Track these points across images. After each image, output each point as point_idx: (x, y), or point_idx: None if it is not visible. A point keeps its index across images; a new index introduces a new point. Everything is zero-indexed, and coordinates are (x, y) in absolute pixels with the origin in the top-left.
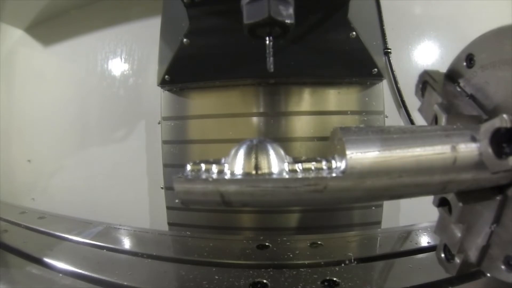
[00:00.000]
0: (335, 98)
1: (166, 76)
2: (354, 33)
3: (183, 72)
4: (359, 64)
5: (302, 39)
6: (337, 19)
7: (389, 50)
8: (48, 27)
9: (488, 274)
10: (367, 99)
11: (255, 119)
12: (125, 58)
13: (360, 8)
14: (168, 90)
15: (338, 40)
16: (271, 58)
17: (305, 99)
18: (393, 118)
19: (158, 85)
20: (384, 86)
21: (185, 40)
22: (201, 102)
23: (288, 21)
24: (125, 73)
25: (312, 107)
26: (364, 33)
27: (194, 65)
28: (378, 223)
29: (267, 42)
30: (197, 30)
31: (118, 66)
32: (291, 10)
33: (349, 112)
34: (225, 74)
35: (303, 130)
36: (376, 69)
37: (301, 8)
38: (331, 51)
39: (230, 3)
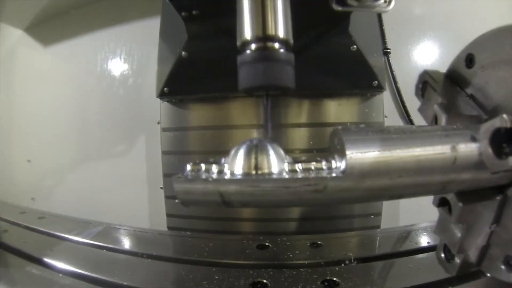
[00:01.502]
0: (335, 109)
1: (165, 89)
2: (355, 46)
3: (182, 85)
4: (359, 77)
5: (303, 52)
6: (338, 33)
7: (389, 50)
8: (48, 27)
9: (488, 274)
10: (367, 110)
11: (254, 131)
12: (125, 58)
13: (361, 21)
14: (167, 101)
15: (339, 53)
16: (270, 124)
17: (305, 111)
18: (392, 118)
19: (157, 97)
20: (383, 92)
21: (183, 53)
22: (201, 114)
23: (287, 85)
24: (124, 73)
25: (312, 119)
26: (365, 46)
27: (193, 77)
28: (377, 227)
29: (265, 102)
30: (195, 43)
31: (117, 66)
32: (291, 73)
33: (349, 124)
34: (224, 87)
35: (302, 141)
36: (376, 82)
37: (303, 21)
38: (332, 64)
39: (228, 16)
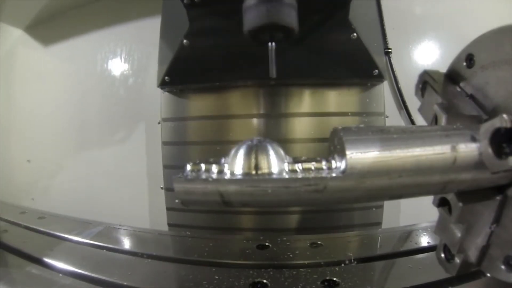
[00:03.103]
0: (336, 99)
1: (166, 77)
2: (355, 34)
3: (183, 73)
4: (360, 66)
5: (302, 40)
6: (338, 20)
7: (390, 50)
8: (48, 27)
9: (488, 274)
10: (367, 100)
11: (255, 121)
12: (125, 58)
13: (361, 9)
14: (168, 91)
15: (339, 41)
16: (274, 65)
17: (306, 101)
18: (393, 118)
19: (158, 86)
20: (384, 86)
21: (185, 41)
22: (202, 104)
23: (291, 25)
24: (124, 73)
25: (313, 109)
26: (365, 34)
27: (194, 66)
28: (379, 223)
29: (270, 47)
30: (197, 31)
31: (117, 66)
32: (294, 14)
33: (349, 114)
34: (225, 76)
35: (303, 131)
36: (377, 70)
37: (302, 9)
38: (332, 52)
39: (231, 3)
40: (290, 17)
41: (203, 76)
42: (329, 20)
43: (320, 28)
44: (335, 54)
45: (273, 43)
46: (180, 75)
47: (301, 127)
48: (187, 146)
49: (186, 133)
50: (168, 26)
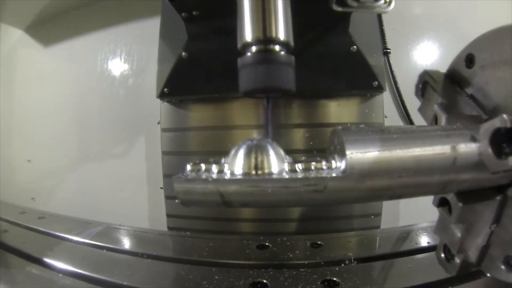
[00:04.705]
0: (335, 110)
1: (165, 89)
2: (355, 46)
3: (181, 85)
4: (359, 78)
5: (302, 53)
6: (338, 33)
7: (389, 50)
8: (48, 28)
9: (488, 274)
10: (367, 110)
11: (254, 132)
12: (125, 58)
13: (361, 21)
14: (167, 102)
15: (339, 54)
16: (270, 127)
17: (305, 111)
18: (392, 118)
19: (157, 97)
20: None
21: (183, 53)
22: (201, 114)
23: (288, 87)
24: (124, 73)
25: (312, 119)
26: (365, 46)
27: (193, 78)
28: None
29: (265, 104)
30: (195, 44)
31: (117, 67)
32: (291, 76)
33: (348, 124)
34: (224, 87)
35: (302, 142)
36: (376, 82)
37: (303, 22)
38: (332, 64)
39: (228, 17)
40: (288, 79)
41: (202, 87)
42: (329, 32)
43: (320, 41)
44: (335, 66)
45: (270, 104)
46: (178, 87)
47: (300, 138)
48: (187, 156)
49: (186, 143)
50: (167, 38)
